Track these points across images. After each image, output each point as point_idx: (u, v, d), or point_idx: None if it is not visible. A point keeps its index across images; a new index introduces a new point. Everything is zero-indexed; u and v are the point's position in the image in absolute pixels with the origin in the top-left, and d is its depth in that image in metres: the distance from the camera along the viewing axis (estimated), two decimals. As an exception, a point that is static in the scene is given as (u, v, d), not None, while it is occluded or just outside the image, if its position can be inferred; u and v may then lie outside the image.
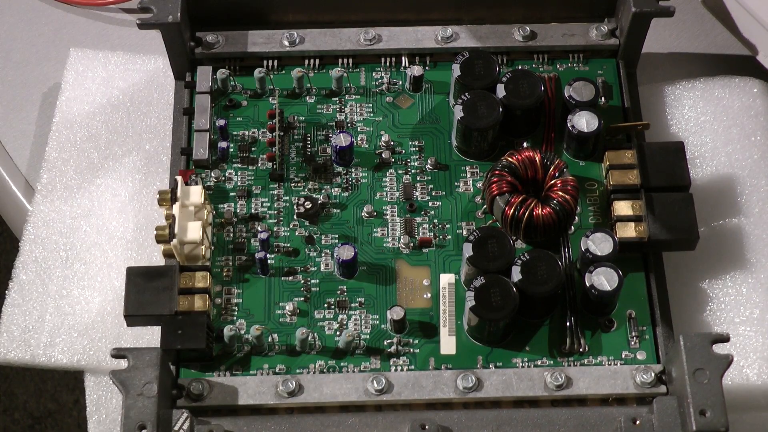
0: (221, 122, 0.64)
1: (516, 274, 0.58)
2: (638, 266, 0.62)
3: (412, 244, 0.62)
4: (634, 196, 0.62)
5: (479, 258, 0.59)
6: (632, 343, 0.60)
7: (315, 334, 0.60)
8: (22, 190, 0.69)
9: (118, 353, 0.55)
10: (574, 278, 0.61)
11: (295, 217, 0.63)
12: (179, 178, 0.61)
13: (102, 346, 0.63)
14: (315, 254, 0.62)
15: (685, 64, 0.72)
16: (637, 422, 0.55)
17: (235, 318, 0.60)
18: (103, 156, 0.68)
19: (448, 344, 0.60)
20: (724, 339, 0.55)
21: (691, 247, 0.61)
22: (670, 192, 0.61)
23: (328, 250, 0.62)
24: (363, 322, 0.60)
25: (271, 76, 0.67)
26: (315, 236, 0.63)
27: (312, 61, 0.67)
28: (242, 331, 0.60)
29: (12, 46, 0.74)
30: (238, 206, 0.63)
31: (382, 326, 0.60)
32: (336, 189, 0.64)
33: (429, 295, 0.61)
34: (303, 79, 0.66)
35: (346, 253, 0.60)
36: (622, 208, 0.62)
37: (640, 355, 0.59)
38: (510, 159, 0.62)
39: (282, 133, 0.65)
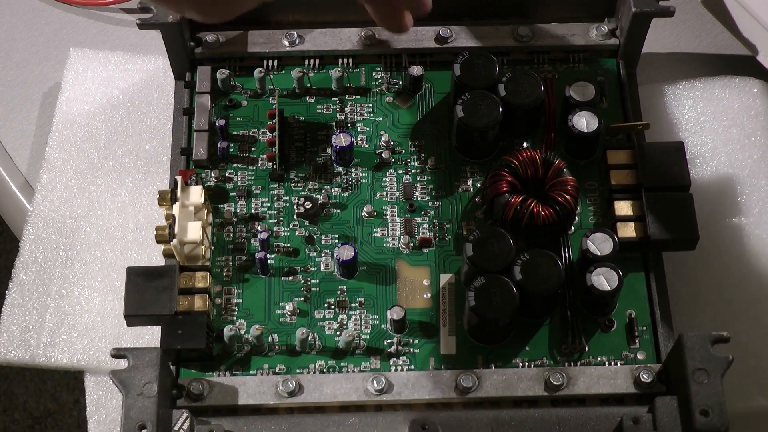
0: (221, 122, 0.65)
1: (516, 274, 0.58)
2: (638, 266, 0.62)
3: (412, 244, 0.62)
4: (634, 196, 0.62)
5: (479, 258, 0.59)
6: (632, 343, 0.60)
7: (315, 334, 0.60)
8: (22, 190, 0.69)
9: (118, 353, 0.55)
10: (574, 278, 0.61)
11: (295, 217, 0.63)
12: (179, 178, 0.61)
13: (102, 346, 0.63)
14: (315, 254, 0.62)
15: (685, 64, 0.72)
16: (638, 422, 0.55)
17: (235, 318, 0.60)
18: (103, 156, 0.68)
19: (448, 344, 0.60)
20: (724, 339, 0.55)
21: (691, 247, 0.61)
22: (670, 192, 0.61)
23: (328, 250, 0.62)
24: (363, 322, 0.60)
25: (271, 76, 0.67)
26: (315, 236, 0.63)
27: (312, 61, 0.67)
28: (242, 331, 0.60)
29: (12, 46, 0.74)
30: (238, 206, 0.63)
31: (382, 326, 0.60)
32: (336, 189, 0.64)
33: (429, 295, 0.61)
34: (303, 79, 0.66)
35: (346, 253, 0.60)
36: (622, 208, 0.62)
37: (640, 355, 0.59)
38: (510, 159, 0.62)
39: (282, 133, 0.65)
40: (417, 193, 0.64)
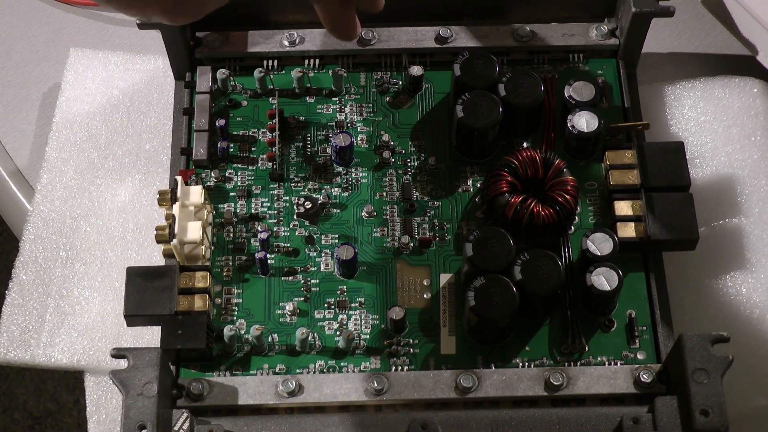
0: (221, 122, 0.65)
1: (516, 274, 0.58)
2: (638, 266, 0.62)
3: (412, 244, 0.62)
4: (634, 196, 0.62)
5: (479, 258, 0.59)
6: (632, 343, 0.60)
7: (315, 334, 0.60)
8: (22, 190, 0.69)
9: (118, 353, 0.55)
10: (574, 278, 0.61)
11: (295, 217, 0.63)
12: (179, 178, 0.61)
13: (102, 346, 0.63)
14: (315, 254, 0.62)
15: (685, 64, 0.72)
16: (638, 422, 0.55)
17: (235, 318, 0.60)
18: (103, 156, 0.68)
19: (448, 344, 0.60)
20: (724, 339, 0.55)
21: (691, 247, 0.61)
22: (670, 192, 0.61)
23: (328, 250, 0.62)
24: (363, 322, 0.60)
25: (271, 76, 0.67)
26: (315, 236, 0.63)
27: (312, 61, 0.67)
28: (242, 331, 0.60)
29: (12, 46, 0.74)
30: (238, 206, 0.63)
31: (382, 326, 0.60)
32: (336, 189, 0.64)
33: (429, 295, 0.61)
34: (303, 79, 0.66)
35: (346, 253, 0.60)
36: (622, 208, 0.62)
37: (640, 355, 0.59)
38: (510, 159, 0.62)
39: (282, 133, 0.65)
40: (417, 193, 0.64)
